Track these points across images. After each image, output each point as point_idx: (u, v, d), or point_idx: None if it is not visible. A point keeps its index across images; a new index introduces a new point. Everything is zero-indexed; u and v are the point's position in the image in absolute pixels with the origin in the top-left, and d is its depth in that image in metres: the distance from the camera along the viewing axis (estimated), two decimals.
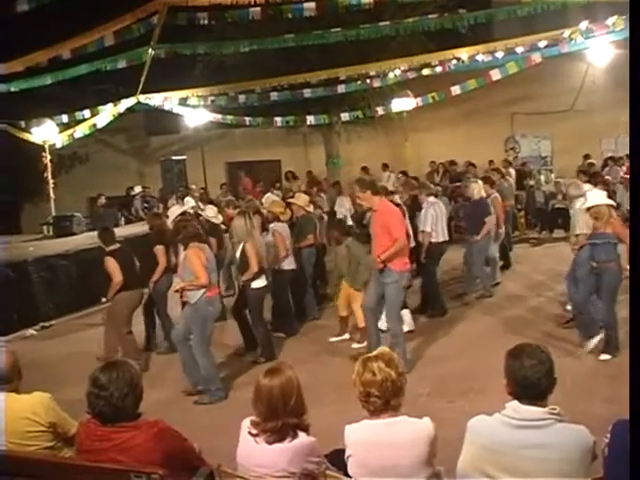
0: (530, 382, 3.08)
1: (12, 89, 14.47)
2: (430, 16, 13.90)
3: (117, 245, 8.26)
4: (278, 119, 18.40)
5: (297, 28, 14.53)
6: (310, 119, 18.36)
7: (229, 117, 18.88)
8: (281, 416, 3.43)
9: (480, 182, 10.98)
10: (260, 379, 3.53)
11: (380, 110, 18.02)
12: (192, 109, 18.23)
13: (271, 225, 9.39)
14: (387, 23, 14.29)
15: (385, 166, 19.33)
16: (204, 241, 7.44)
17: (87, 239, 12.76)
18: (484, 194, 10.70)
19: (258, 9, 11.98)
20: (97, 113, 16.74)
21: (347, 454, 3.49)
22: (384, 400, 3.35)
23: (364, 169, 18.82)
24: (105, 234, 8.42)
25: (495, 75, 13.91)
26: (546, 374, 3.10)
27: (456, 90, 15.45)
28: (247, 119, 18.70)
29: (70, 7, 14.81)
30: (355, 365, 3.51)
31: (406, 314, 8.76)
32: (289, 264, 9.26)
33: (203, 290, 6.91)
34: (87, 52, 13.04)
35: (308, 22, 14.07)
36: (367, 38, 14.19)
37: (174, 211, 9.80)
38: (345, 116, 18.48)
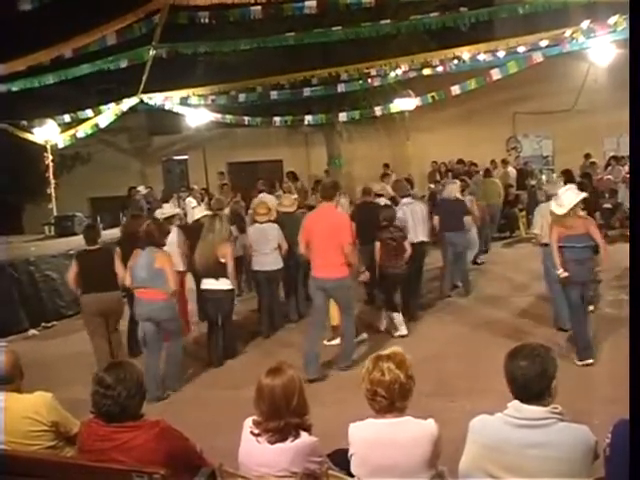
0: (521, 383, 3.09)
1: (14, 89, 14.47)
2: (431, 14, 13.89)
3: (96, 246, 7.99)
4: (277, 118, 18.36)
5: (298, 27, 14.53)
6: (308, 118, 18.31)
7: (229, 116, 18.87)
8: (283, 416, 3.42)
9: (458, 183, 11.26)
10: (262, 379, 3.52)
11: (381, 110, 17.95)
12: (193, 108, 18.23)
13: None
14: (388, 21, 14.28)
15: (386, 166, 19.35)
16: (157, 245, 7.21)
17: None
18: (454, 195, 10.86)
19: (259, 8, 11.99)
20: (99, 113, 16.77)
21: (350, 452, 3.49)
22: (390, 401, 3.35)
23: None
24: (88, 232, 8.22)
25: (495, 74, 13.90)
26: (538, 376, 3.07)
27: (456, 90, 15.42)
28: (246, 118, 18.67)
29: (71, 7, 14.82)
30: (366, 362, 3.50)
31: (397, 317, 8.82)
32: (256, 265, 9.34)
33: None
34: (89, 52, 13.03)
35: (309, 20, 14.08)
36: (368, 37, 14.20)
37: (162, 212, 9.79)
38: (343, 116, 18.34)
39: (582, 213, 7.21)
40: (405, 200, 9.95)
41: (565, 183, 8.60)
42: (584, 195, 7.26)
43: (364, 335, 8.54)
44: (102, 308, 7.72)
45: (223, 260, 7.85)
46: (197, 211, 9.21)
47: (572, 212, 7.04)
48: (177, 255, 8.34)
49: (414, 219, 9.64)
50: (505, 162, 18.02)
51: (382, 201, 10.31)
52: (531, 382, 3.07)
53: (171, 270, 7.01)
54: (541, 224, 8.41)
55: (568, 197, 7.11)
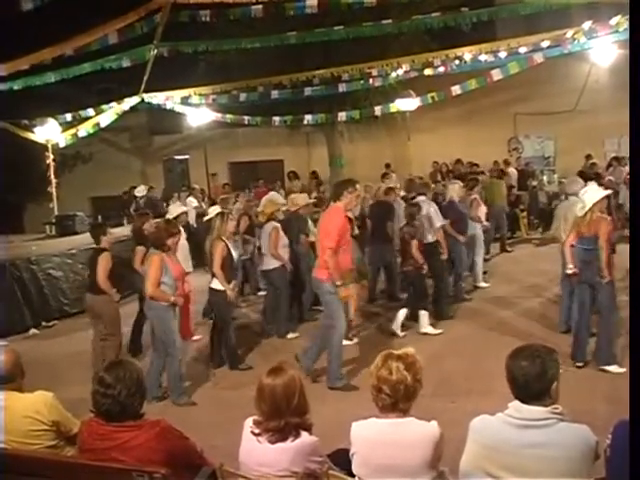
0: (521, 383, 3.08)
1: (15, 87, 14.47)
2: (433, 15, 13.89)
3: (100, 245, 7.95)
4: (276, 118, 18.32)
5: (300, 26, 14.53)
6: (308, 118, 18.23)
7: (229, 116, 18.85)
8: (284, 415, 3.42)
9: (457, 184, 10.98)
10: (263, 379, 3.52)
11: (382, 110, 17.90)
12: (194, 108, 18.22)
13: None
14: (390, 21, 14.28)
15: (387, 166, 19.39)
16: (157, 246, 7.10)
17: (90, 238, 12.75)
18: (449, 197, 10.74)
19: (260, 7, 12.01)
20: (101, 112, 16.77)
21: (352, 451, 3.49)
22: (393, 400, 3.33)
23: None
24: (92, 230, 8.39)
25: (496, 75, 13.86)
26: (538, 376, 3.06)
27: (456, 90, 15.35)
28: (246, 118, 18.64)
29: (73, 6, 14.81)
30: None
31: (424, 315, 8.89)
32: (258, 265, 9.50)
33: None
34: (91, 50, 13.04)
35: (310, 20, 14.08)
36: (369, 37, 14.20)
37: (173, 210, 9.79)
38: (342, 115, 18.17)
39: (600, 213, 7.07)
40: (421, 198, 9.87)
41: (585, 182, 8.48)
42: (606, 193, 7.20)
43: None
44: (91, 308, 7.79)
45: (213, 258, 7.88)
46: (211, 210, 9.37)
47: (591, 212, 6.96)
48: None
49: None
50: (507, 163, 18.04)
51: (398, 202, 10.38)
52: (530, 382, 3.06)
53: (152, 272, 6.83)
54: (557, 225, 8.39)
55: (589, 196, 7.04)
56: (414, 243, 8.81)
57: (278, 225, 9.27)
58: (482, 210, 11.38)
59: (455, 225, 10.27)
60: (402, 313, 8.79)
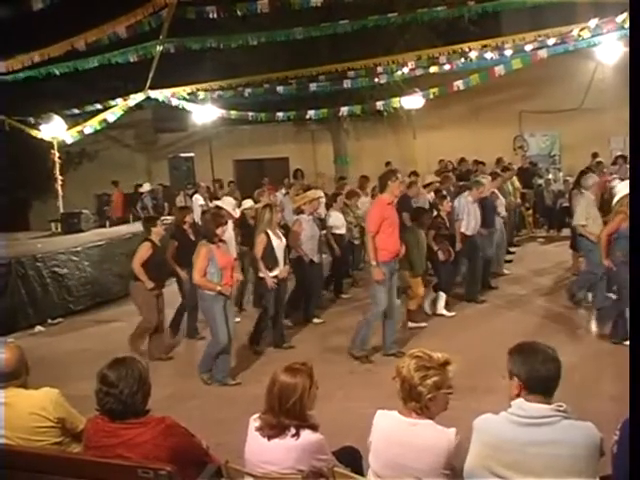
0: (542, 377, 3.07)
1: (22, 80, 14.45)
2: (439, 7, 13.86)
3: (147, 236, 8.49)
4: (280, 114, 18.25)
5: (306, 22, 14.50)
6: (311, 113, 18.01)
7: (232, 112, 18.79)
8: (276, 414, 3.45)
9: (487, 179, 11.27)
10: (277, 371, 3.56)
11: (383, 106, 17.77)
12: (200, 105, 18.17)
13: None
14: (395, 14, 14.23)
15: (387, 165, 19.36)
16: (204, 237, 7.46)
17: (95, 236, 12.79)
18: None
19: (266, 1, 12.02)
20: (107, 108, 16.77)
21: (370, 439, 3.47)
22: (402, 395, 3.32)
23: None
24: (143, 223, 9.08)
25: (499, 70, 13.78)
26: (556, 370, 3.10)
27: (459, 85, 15.27)
28: (250, 114, 18.60)
29: (81, 2, 14.80)
30: None
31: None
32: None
33: None
34: (98, 46, 13.04)
35: (316, 15, 14.06)
36: (375, 33, 14.16)
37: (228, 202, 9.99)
38: (344, 110, 17.83)
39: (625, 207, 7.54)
40: (464, 194, 10.66)
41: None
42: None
43: None
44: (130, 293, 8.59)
45: None
46: (245, 203, 9.96)
47: (616, 206, 7.70)
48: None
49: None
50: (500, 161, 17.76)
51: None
52: (548, 376, 3.08)
53: (199, 262, 7.18)
54: None
55: (618, 190, 7.91)
56: (430, 233, 9.61)
57: (302, 218, 9.68)
58: (500, 202, 11.90)
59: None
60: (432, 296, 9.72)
